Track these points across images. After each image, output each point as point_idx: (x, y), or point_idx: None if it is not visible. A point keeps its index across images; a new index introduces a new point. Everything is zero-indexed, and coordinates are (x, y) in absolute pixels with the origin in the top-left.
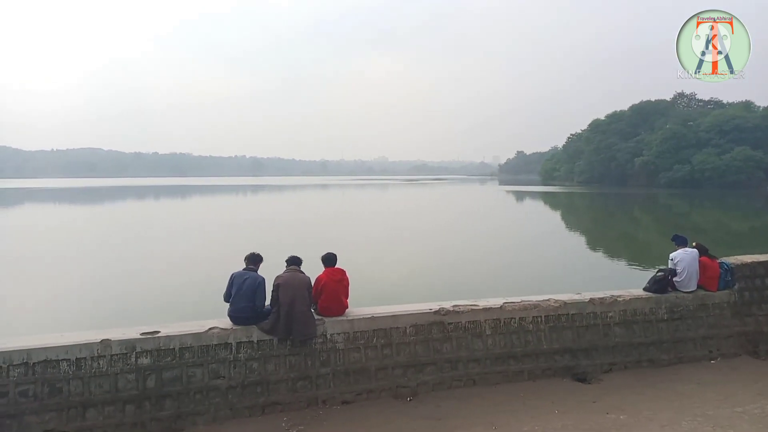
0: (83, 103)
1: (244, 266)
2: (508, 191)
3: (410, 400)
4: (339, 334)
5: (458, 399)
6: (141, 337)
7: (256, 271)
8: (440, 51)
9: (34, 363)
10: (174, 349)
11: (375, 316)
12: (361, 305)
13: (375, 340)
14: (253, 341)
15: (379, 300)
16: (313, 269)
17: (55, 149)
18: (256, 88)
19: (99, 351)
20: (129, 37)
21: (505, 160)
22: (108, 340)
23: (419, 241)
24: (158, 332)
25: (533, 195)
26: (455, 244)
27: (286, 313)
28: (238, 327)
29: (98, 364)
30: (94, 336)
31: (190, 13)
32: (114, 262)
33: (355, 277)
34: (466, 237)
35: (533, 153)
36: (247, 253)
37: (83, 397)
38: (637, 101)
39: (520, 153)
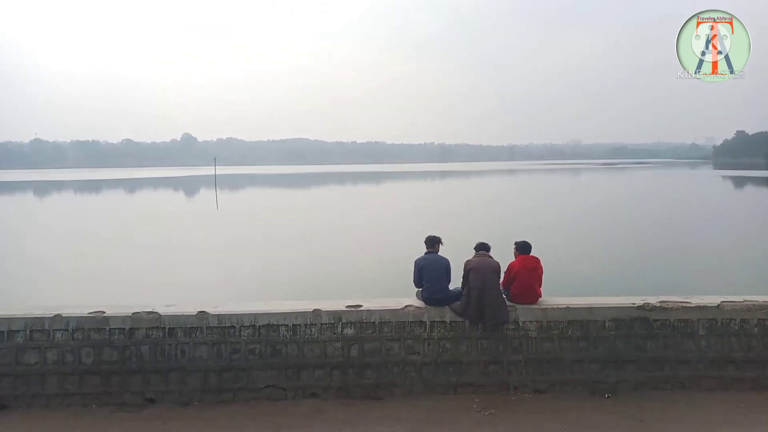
0: (291, 96)
1: (426, 249)
2: (724, 177)
3: (608, 397)
4: (531, 322)
5: (664, 402)
6: (346, 309)
7: (437, 252)
8: (641, 25)
9: (259, 326)
10: (374, 322)
11: (570, 306)
12: (554, 294)
13: (570, 331)
14: (446, 321)
15: (575, 290)
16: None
17: (271, 140)
18: (443, 73)
19: (311, 319)
20: (322, 28)
21: (721, 142)
22: (319, 310)
23: (617, 230)
24: (361, 306)
25: (757, 181)
26: (659, 235)
27: (477, 296)
28: (432, 307)
29: (311, 331)
30: (307, 306)
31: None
32: (320, 239)
33: (549, 265)
34: (672, 228)
35: (758, 132)
36: (426, 236)
37: (298, 359)
38: None
39: (740, 133)
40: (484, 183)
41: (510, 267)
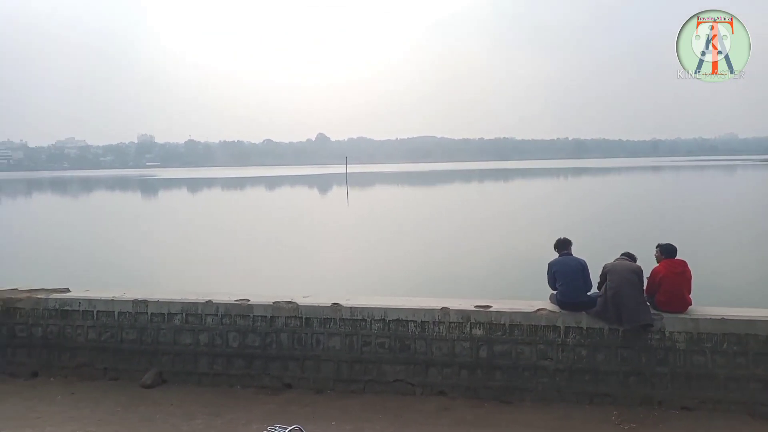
0: (418, 93)
1: (558, 254)
2: None
3: None
4: (680, 332)
5: None
6: (475, 309)
7: (571, 254)
8: None
9: (389, 320)
10: (504, 324)
11: (726, 318)
12: (704, 304)
13: (725, 345)
14: (582, 327)
15: (729, 301)
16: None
17: (398, 138)
18: (577, 66)
19: (439, 317)
20: (447, 23)
21: None
22: (447, 308)
23: None
24: (490, 307)
25: None
26: None
27: (613, 295)
28: (566, 311)
29: (439, 329)
30: (435, 303)
31: None
32: (447, 236)
33: (698, 272)
34: None
35: None
36: (556, 239)
37: (426, 356)
38: None
39: None
40: (623, 181)
41: (654, 273)
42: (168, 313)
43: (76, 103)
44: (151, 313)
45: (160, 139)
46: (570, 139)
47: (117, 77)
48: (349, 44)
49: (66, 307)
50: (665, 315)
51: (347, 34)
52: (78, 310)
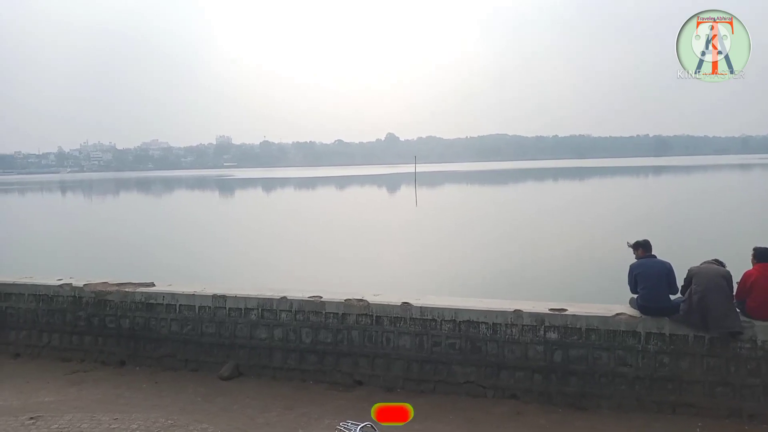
0: (490, 93)
1: (639, 256)
2: None
3: None
4: None
5: None
6: (549, 312)
7: (654, 256)
8: None
9: (459, 321)
10: (580, 328)
11: None
12: None
13: None
14: (664, 334)
15: None
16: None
17: (468, 136)
18: (655, 57)
19: (512, 320)
20: (518, 16)
21: None
22: (520, 311)
23: None
24: (565, 310)
25: None
26: None
27: (699, 300)
28: (648, 317)
29: (511, 331)
30: (507, 305)
31: None
32: (517, 237)
33: None
34: None
35: None
36: (635, 242)
37: (497, 358)
38: None
39: None
40: (709, 179)
41: (746, 276)
42: (245, 308)
43: (159, 107)
44: (229, 308)
45: (236, 141)
46: (651, 135)
47: (195, 83)
48: (414, 41)
49: (151, 301)
50: (756, 323)
51: (411, 31)
52: (162, 304)
